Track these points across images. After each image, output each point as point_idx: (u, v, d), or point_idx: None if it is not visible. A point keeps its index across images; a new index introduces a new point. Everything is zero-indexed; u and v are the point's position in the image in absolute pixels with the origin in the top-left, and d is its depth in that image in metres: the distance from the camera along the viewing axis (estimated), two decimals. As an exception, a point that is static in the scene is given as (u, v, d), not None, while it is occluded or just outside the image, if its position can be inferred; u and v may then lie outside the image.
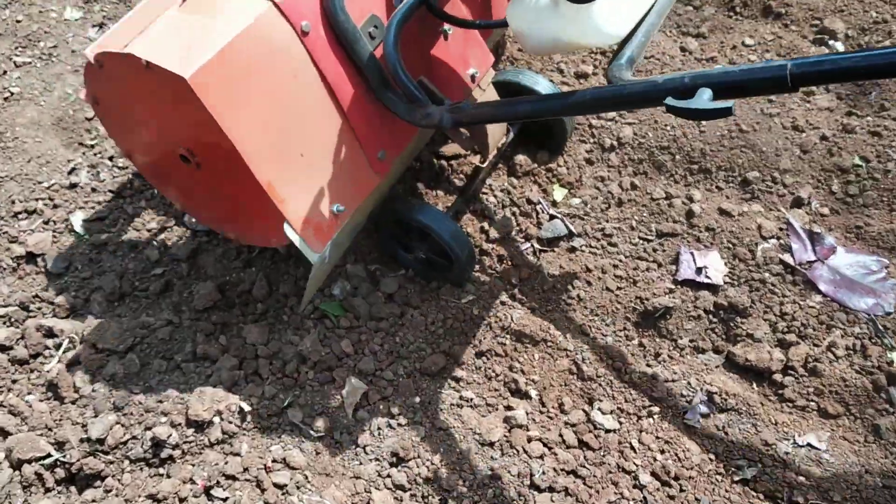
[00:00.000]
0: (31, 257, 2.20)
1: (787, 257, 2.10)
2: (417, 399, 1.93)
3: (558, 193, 2.28)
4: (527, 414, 1.90)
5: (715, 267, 2.09)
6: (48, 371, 1.97)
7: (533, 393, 1.94)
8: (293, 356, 1.97)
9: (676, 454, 1.84)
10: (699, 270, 2.08)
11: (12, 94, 2.53)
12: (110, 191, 2.32)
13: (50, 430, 1.87)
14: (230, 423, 1.87)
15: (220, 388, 1.91)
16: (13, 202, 2.30)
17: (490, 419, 1.90)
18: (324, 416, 1.91)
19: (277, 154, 1.65)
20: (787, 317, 2.01)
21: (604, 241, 2.20)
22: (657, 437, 1.86)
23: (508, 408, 1.92)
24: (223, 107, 1.55)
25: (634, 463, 1.82)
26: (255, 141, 1.61)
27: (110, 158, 2.39)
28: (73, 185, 2.34)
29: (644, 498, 1.76)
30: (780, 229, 2.16)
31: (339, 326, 2.03)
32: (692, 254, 2.11)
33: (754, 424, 1.88)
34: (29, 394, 1.95)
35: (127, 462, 1.82)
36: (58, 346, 2.02)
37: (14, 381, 1.98)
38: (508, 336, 2.02)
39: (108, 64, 1.67)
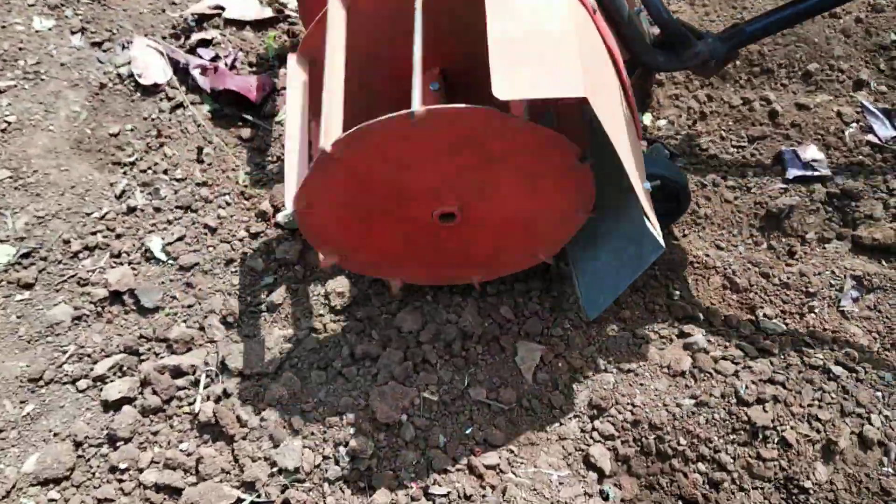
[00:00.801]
0: (115, 297, 1.96)
1: (871, 137, 2.20)
2: (594, 348, 1.90)
3: (645, 119, 2.27)
4: (703, 336, 1.91)
5: (817, 159, 2.16)
6: (197, 412, 1.78)
7: (700, 315, 1.96)
8: (456, 335, 1.88)
9: (847, 340, 1.91)
10: (806, 165, 2.14)
11: (9, 123, 2.21)
12: (178, 207, 2.09)
13: (229, 473, 1.70)
14: (420, 417, 1.77)
15: (396, 384, 1.80)
16: (66, 242, 2.03)
17: (671, 350, 1.90)
18: (506, 387, 1.84)
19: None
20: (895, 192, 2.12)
21: (703, 155, 2.22)
22: (825, 329, 1.93)
23: (682, 334, 1.92)
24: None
25: (818, 357, 1.87)
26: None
27: (164, 172, 2.15)
28: (131, 210, 2.09)
29: (842, 387, 1.82)
30: (857, 112, 2.25)
31: (490, 294, 1.95)
32: (794, 151, 2.17)
33: (902, 295, 1.98)
34: (181, 442, 1.76)
35: (327, 485, 1.69)
36: (195, 384, 1.83)
37: (155, 433, 1.78)
38: (657, 267, 2.02)
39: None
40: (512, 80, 1.35)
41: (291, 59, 1.79)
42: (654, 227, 1.60)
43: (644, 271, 1.72)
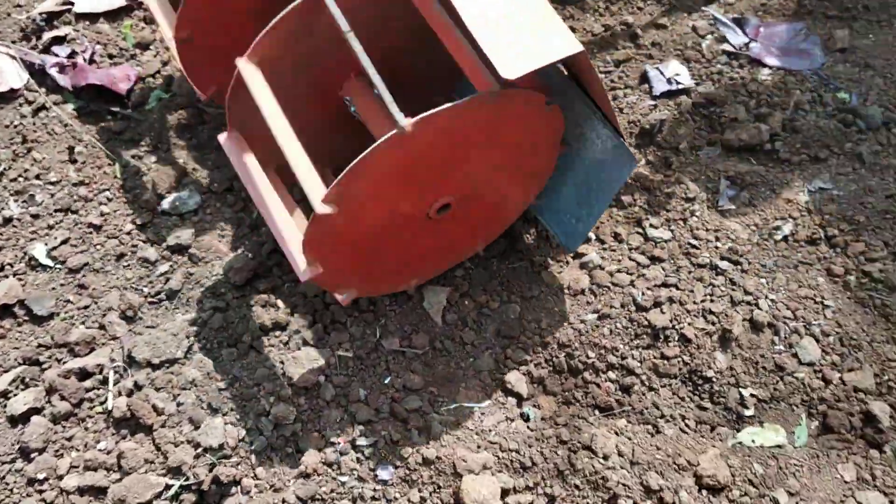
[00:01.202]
0: (4, 310, 1.90)
1: (726, 46, 2.31)
2: (496, 282, 1.95)
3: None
4: (597, 254, 1.98)
5: (679, 73, 2.26)
6: (110, 409, 1.75)
7: (591, 236, 2.03)
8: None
9: (728, 236, 2.02)
10: (669, 80, 2.24)
11: None
12: (57, 210, 2.03)
13: (153, 462, 1.69)
14: (338, 375, 1.79)
15: (309, 348, 1.81)
16: (-59, 263, 1.95)
17: (569, 272, 1.97)
18: (417, 332, 1.88)
19: None
20: (754, 94, 2.24)
21: (573, 86, 2.29)
22: (707, 230, 2.03)
23: (577, 255, 2.00)
24: None
25: (704, 256, 1.98)
26: None
27: (37, 177, 2.08)
28: (7, 221, 2.02)
29: (730, 279, 1.93)
30: (710, 24, 2.36)
31: (388, 246, 1.98)
32: (658, 68, 2.26)
33: (771, 189, 2.10)
34: (99, 442, 1.73)
35: (254, 456, 1.70)
36: (104, 382, 1.79)
37: (70, 439, 1.74)
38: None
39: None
40: (513, 58, 1.38)
41: (224, 137, 1.72)
42: (626, 144, 1.68)
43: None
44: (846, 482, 1.74)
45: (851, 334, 1.89)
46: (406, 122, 1.41)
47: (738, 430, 1.80)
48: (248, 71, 1.61)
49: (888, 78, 2.29)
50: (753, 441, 1.79)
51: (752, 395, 1.83)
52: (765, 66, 2.29)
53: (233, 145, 1.72)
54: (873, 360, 1.86)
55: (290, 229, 1.65)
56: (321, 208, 1.47)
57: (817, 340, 1.88)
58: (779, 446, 1.79)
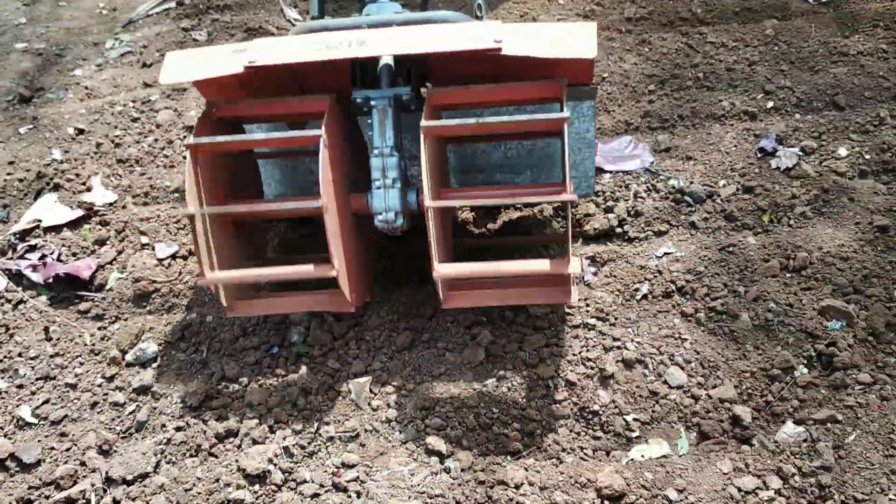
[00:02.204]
0: (-2, 466, 2.22)
1: (573, 163, 2.86)
2: (408, 370, 2.33)
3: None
4: (490, 332, 2.38)
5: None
6: None
7: (483, 319, 2.44)
8: (298, 394, 2.26)
9: (596, 302, 2.44)
10: (530, 194, 2.75)
11: None
12: (38, 378, 2.40)
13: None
14: (285, 461, 2.12)
15: (259, 446, 2.15)
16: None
17: (469, 351, 2.35)
18: (349, 419, 2.22)
19: None
20: (600, 193, 2.76)
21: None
22: (579, 300, 2.46)
23: (474, 339, 2.39)
24: None
25: (578, 318, 2.38)
26: None
27: (19, 355, 2.46)
28: (-4, 394, 2.38)
29: (600, 332, 2.33)
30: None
31: (317, 354, 2.37)
32: (519, 186, 2.78)
33: (626, 261, 2.56)
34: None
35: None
36: (87, 503, 2.09)
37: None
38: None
39: None
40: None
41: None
42: None
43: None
44: (725, 473, 2.05)
45: (709, 358, 2.28)
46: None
47: (629, 450, 2.13)
48: None
49: (706, 164, 2.83)
50: (643, 456, 2.12)
51: (635, 420, 2.18)
52: (606, 171, 2.82)
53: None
54: (731, 375, 2.24)
55: None
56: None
57: (681, 367, 2.26)
58: (665, 456, 2.11)
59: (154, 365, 2.40)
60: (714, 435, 2.13)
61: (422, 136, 2.03)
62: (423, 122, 2.05)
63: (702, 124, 3.01)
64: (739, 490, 2.01)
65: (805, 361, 2.26)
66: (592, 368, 2.25)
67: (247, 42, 2.16)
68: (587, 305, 2.44)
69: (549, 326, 2.39)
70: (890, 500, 1.98)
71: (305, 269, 2.12)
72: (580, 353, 2.29)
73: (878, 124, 2.90)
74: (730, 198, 2.72)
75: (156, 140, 3.14)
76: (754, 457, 2.08)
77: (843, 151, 2.83)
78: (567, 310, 2.43)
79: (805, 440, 2.09)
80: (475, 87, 2.21)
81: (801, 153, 2.83)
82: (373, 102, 2.24)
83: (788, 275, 2.47)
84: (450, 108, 2.36)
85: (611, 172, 2.83)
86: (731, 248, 2.55)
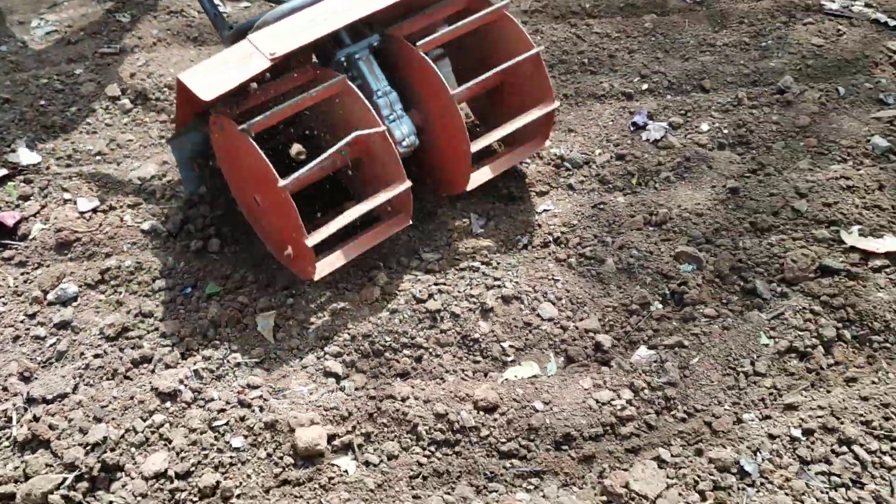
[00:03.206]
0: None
1: (468, 133, 3.16)
2: (314, 306, 2.58)
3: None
4: (385, 273, 2.65)
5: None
6: (15, 437, 2.22)
7: (381, 264, 2.71)
8: (208, 325, 2.49)
9: (481, 249, 2.74)
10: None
11: None
12: (-38, 315, 2.57)
13: (52, 465, 2.15)
14: (195, 382, 2.34)
15: (172, 369, 2.37)
16: None
17: (367, 289, 2.61)
18: (254, 348, 2.46)
19: None
20: (490, 158, 3.06)
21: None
22: (466, 248, 2.75)
23: (370, 278, 2.66)
24: None
25: (465, 263, 2.67)
26: None
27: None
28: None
29: (483, 273, 2.63)
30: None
31: (229, 290, 2.60)
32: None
33: (511, 217, 2.87)
34: (7, 464, 2.19)
35: (133, 448, 2.20)
36: (9, 421, 2.27)
37: (-17, 469, 2.19)
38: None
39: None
40: None
41: None
42: None
43: None
44: (585, 389, 2.36)
45: (577, 295, 2.59)
46: None
47: (504, 372, 2.42)
48: None
49: (585, 136, 3.17)
50: (515, 376, 2.41)
51: (510, 347, 2.47)
52: (497, 141, 3.14)
53: None
54: (596, 310, 2.55)
55: None
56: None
57: (553, 303, 2.57)
58: (535, 376, 2.41)
59: (74, 304, 2.59)
60: (579, 359, 2.44)
61: (421, 54, 2.54)
62: (419, 42, 2.55)
63: (584, 102, 3.35)
64: (597, 401, 2.32)
65: (660, 298, 2.59)
66: (475, 303, 2.54)
67: (238, 44, 2.39)
68: (474, 252, 2.73)
69: (439, 270, 2.67)
70: (725, 410, 2.32)
71: (381, 196, 2.48)
72: (465, 290, 2.58)
73: (737, 105, 3.29)
74: (604, 164, 3.06)
75: (79, 110, 3.33)
76: (611, 375, 2.40)
77: (704, 126, 3.20)
78: (455, 256, 2.72)
79: (655, 361, 2.42)
80: (418, 16, 2.72)
81: (668, 127, 3.19)
82: (357, 56, 2.60)
83: (651, 228, 2.81)
84: (408, 37, 2.67)
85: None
86: (601, 206, 2.88)
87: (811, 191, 2.89)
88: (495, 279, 2.62)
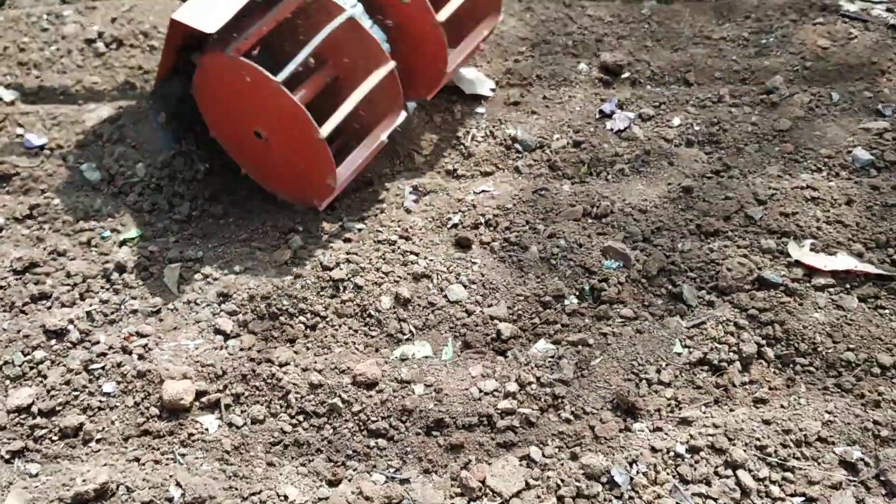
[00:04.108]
0: None
1: (427, 105, 3.07)
2: (222, 261, 2.55)
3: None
4: (300, 237, 2.60)
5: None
6: None
7: (299, 228, 2.66)
8: (113, 269, 2.49)
9: (408, 225, 2.65)
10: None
11: None
12: None
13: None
14: (85, 325, 2.34)
15: (66, 308, 2.38)
16: None
17: (280, 252, 2.57)
18: (154, 296, 2.45)
19: None
20: (438, 130, 2.97)
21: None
22: (392, 221, 2.67)
23: (286, 242, 2.61)
24: None
25: (385, 236, 2.60)
26: None
27: None
28: None
29: (402, 250, 2.55)
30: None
31: (139, 243, 2.60)
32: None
33: (447, 194, 2.77)
34: None
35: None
36: None
37: None
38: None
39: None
40: None
41: None
42: None
43: None
44: (472, 377, 2.26)
45: (492, 281, 2.48)
46: None
47: (396, 349, 2.34)
48: None
49: (547, 119, 3.04)
50: (406, 355, 2.33)
51: (409, 325, 2.39)
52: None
53: None
54: (507, 297, 2.44)
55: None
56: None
57: (465, 286, 2.47)
58: (426, 357, 2.32)
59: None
60: (476, 345, 2.34)
61: None
62: None
63: (556, 86, 3.21)
64: (480, 391, 2.22)
65: (577, 293, 2.46)
66: (382, 277, 2.46)
67: None
68: (398, 226, 2.65)
69: (357, 240, 2.60)
70: (614, 416, 2.19)
71: (370, 80, 2.56)
72: (375, 263, 2.50)
73: (717, 101, 3.10)
74: (558, 150, 2.92)
75: (58, 49, 3.37)
76: (503, 366, 2.29)
77: (676, 121, 3.02)
78: (378, 228, 2.64)
79: (552, 357, 2.30)
80: None
81: (636, 118, 3.03)
82: None
83: (590, 220, 2.67)
84: None
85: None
86: (543, 192, 2.75)
87: (771, 198, 2.70)
88: (411, 255, 2.53)
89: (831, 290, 2.44)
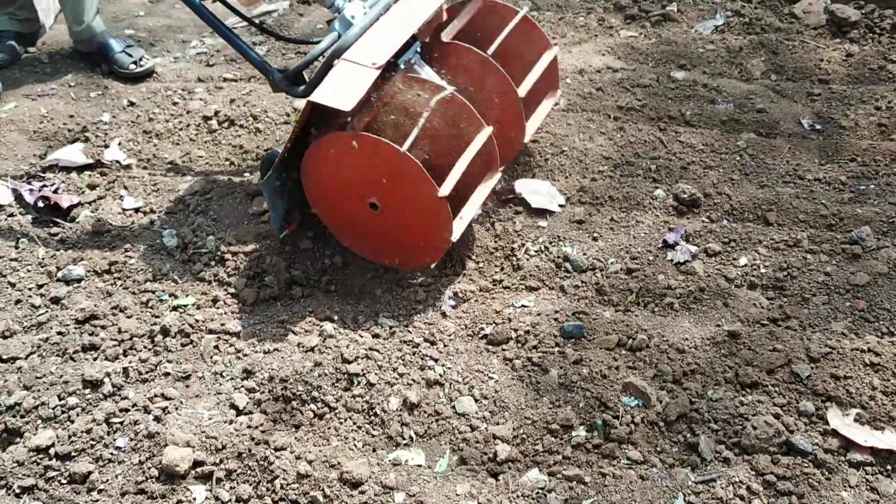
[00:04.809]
0: None
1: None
2: (254, 338, 2.68)
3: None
4: (333, 327, 2.69)
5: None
6: None
7: (335, 316, 2.76)
8: (158, 331, 2.68)
9: (438, 329, 2.68)
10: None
11: None
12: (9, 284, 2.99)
13: None
14: (119, 384, 2.53)
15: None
16: None
17: (308, 337, 2.67)
18: (188, 362, 2.61)
19: None
20: (498, 236, 3.00)
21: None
22: (426, 324, 2.71)
23: (321, 330, 2.71)
24: None
25: (412, 339, 2.64)
26: None
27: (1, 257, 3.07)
28: (-41, 276, 2.98)
29: (423, 353, 2.58)
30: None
31: (200, 306, 2.78)
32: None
33: (484, 304, 2.79)
34: None
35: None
36: None
37: None
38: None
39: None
40: None
41: None
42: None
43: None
44: (458, 494, 2.24)
45: (504, 399, 2.46)
46: None
47: (391, 453, 2.35)
48: None
49: (607, 242, 3.00)
50: (399, 460, 2.34)
51: (411, 431, 2.40)
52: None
53: None
54: (516, 419, 2.41)
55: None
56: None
57: (476, 400, 2.46)
58: (419, 466, 2.32)
59: (76, 285, 2.90)
60: (471, 462, 2.32)
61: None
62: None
63: (628, 209, 3.17)
64: (459, 502, 2.18)
65: (587, 426, 2.39)
66: (396, 379, 2.50)
67: (336, 68, 2.62)
68: (427, 329, 2.69)
69: (384, 336, 2.66)
70: (595, 561, 2.09)
71: (472, 148, 2.76)
72: (393, 363, 2.55)
73: (792, 245, 2.94)
74: (609, 275, 2.87)
75: (179, 122, 3.73)
76: (491, 489, 2.25)
77: (743, 261, 2.90)
78: (408, 328, 2.69)
79: (542, 488, 2.23)
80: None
81: (701, 253, 2.93)
82: (412, 60, 2.93)
83: (623, 351, 2.60)
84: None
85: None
86: (581, 316, 2.71)
87: (825, 357, 2.51)
88: (432, 359, 2.56)
89: (868, 468, 2.23)
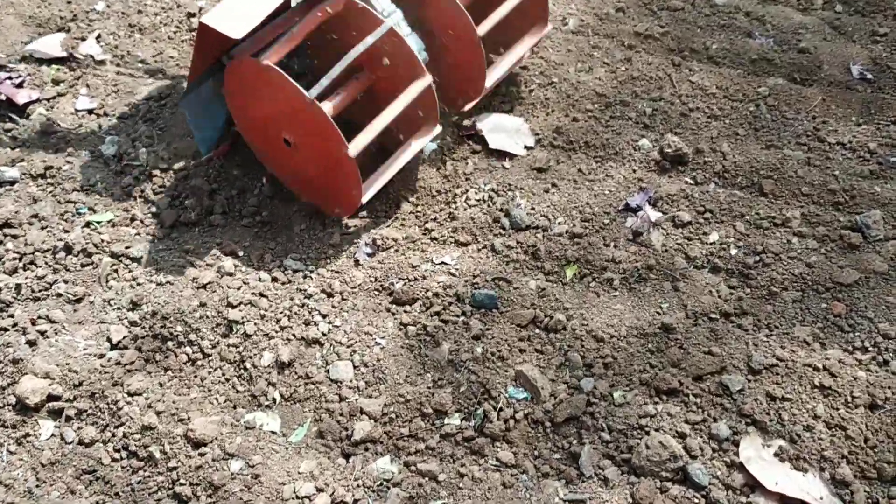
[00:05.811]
0: None
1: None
2: (151, 263, 2.54)
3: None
4: (232, 263, 2.50)
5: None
6: None
7: (238, 251, 2.56)
8: (61, 248, 2.58)
9: (345, 281, 2.44)
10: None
11: None
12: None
13: None
14: (9, 300, 2.46)
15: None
16: None
17: (204, 272, 2.50)
18: (83, 285, 2.50)
19: None
20: (447, 177, 2.68)
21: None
22: (337, 272, 2.47)
23: (219, 268, 2.53)
24: None
25: (310, 281, 2.42)
26: None
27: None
28: None
29: (316, 309, 2.35)
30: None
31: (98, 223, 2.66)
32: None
33: (404, 255, 2.51)
34: None
35: None
36: None
37: None
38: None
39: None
40: None
41: None
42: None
43: None
44: (300, 472, 2.05)
45: (385, 369, 2.22)
46: None
47: (249, 414, 2.18)
48: None
49: (563, 197, 2.61)
50: (255, 422, 2.16)
51: (277, 391, 2.21)
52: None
53: None
54: (391, 392, 2.18)
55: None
56: None
57: (354, 366, 2.23)
58: (273, 433, 2.14)
59: (9, 186, 2.83)
60: (328, 437, 2.12)
61: None
62: None
63: (601, 159, 2.75)
64: (293, 491, 2.01)
65: (464, 414, 2.12)
66: (274, 331, 2.31)
67: None
68: (332, 277, 2.45)
69: (282, 281, 2.45)
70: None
71: (406, 95, 2.45)
72: (276, 314, 2.35)
73: (780, 224, 2.47)
74: (551, 237, 2.51)
75: (167, 17, 3.52)
76: (333, 472, 2.05)
77: (713, 237, 2.46)
78: (311, 275, 2.46)
79: (389, 480, 2.02)
80: None
81: (666, 222, 2.51)
82: None
83: (536, 331, 2.28)
84: None
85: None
86: (502, 283, 2.39)
87: (768, 369, 2.12)
88: (319, 315, 2.34)
89: (769, 519, 1.87)
